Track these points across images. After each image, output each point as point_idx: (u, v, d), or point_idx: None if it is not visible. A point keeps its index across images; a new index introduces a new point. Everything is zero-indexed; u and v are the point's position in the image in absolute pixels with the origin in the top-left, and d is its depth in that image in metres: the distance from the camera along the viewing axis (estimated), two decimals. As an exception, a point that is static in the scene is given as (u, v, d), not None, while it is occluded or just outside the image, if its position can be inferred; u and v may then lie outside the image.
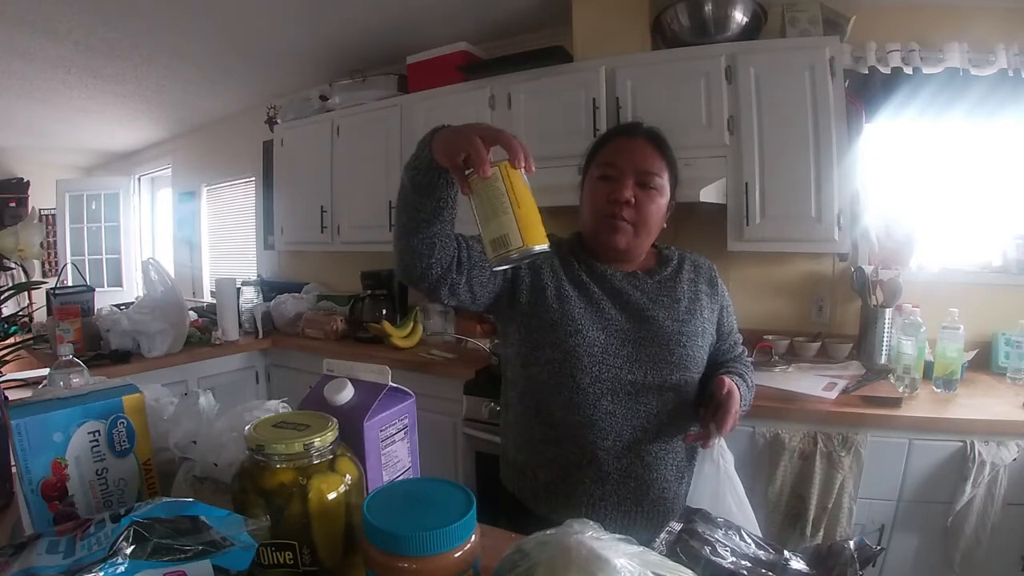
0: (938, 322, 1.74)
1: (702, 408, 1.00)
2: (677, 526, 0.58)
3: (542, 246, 0.68)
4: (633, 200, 1.01)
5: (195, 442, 0.70)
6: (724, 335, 1.15)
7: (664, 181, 1.04)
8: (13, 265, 1.36)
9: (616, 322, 1.02)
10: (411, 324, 2.59)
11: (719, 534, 0.56)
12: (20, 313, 2.28)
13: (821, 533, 1.56)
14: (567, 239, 1.14)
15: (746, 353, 1.21)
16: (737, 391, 0.96)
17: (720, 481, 0.92)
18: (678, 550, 0.53)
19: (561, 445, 1.00)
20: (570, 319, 1.00)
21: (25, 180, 4.95)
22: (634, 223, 1.02)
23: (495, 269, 0.92)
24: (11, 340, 1.55)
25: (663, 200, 1.05)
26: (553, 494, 1.01)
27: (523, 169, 0.69)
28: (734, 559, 0.53)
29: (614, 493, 0.99)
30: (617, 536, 0.46)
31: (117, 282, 5.07)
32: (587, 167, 1.10)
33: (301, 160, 3.16)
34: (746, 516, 0.90)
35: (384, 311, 2.70)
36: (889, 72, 2.00)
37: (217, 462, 0.66)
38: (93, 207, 5.03)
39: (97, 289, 2.67)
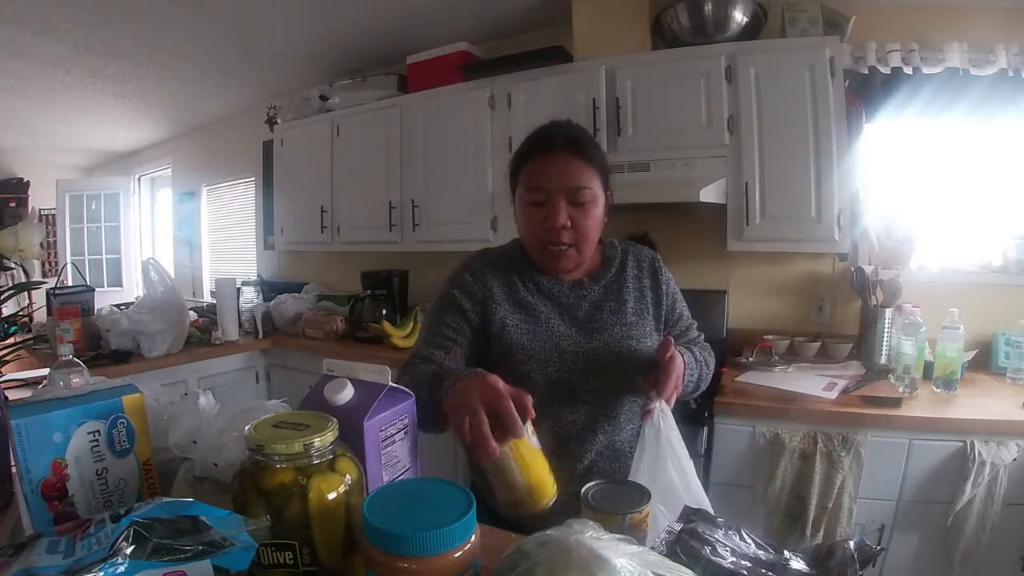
0: (938, 322, 1.74)
1: (640, 377, 0.98)
2: (677, 526, 0.58)
3: (551, 499, 0.70)
4: (569, 223, 0.98)
5: (195, 442, 0.70)
6: (673, 321, 1.13)
7: (596, 188, 1.01)
8: (13, 265, 1.37)
9: (567, 337, 1.02)
10: (411, 324, 2.59)
11: (719, 534, 0.56)
12: (20, 313, 2.28)
13: (821, 533, 1.56)
14: (509, 250, 1.11)
15: (702, 337, 1.20)
16: (680, 357, 0.96)
17: (660, 446, 0.86)
18: (678, 550, 0.53)
19: None
20: (519, 347, 1.00)
21: (25, 180, 4.95)
22: (575, 243, 1.00)
23: None
24: (11, 340, 1.56)
25: (599, 208, 1.02)
26: None
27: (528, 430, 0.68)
28: (734, 559, 0.53)
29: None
30: (617, 536, 0.46)
31: (117, 282, 5.07)
32: (512, 184, 1.07)
33: (301, 160, 3.16)
34: (688, 484, 0.85)
35: (384, 311, 2.70)
36: (889, 72, 2.00)
37: (217, 462, 0.66)
38: (93, 207, 5.04)
39: (97, 289, 2.68)
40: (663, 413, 0.90)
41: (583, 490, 0.68)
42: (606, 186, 1.04)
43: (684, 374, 0.98)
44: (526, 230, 1.04)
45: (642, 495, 0.67)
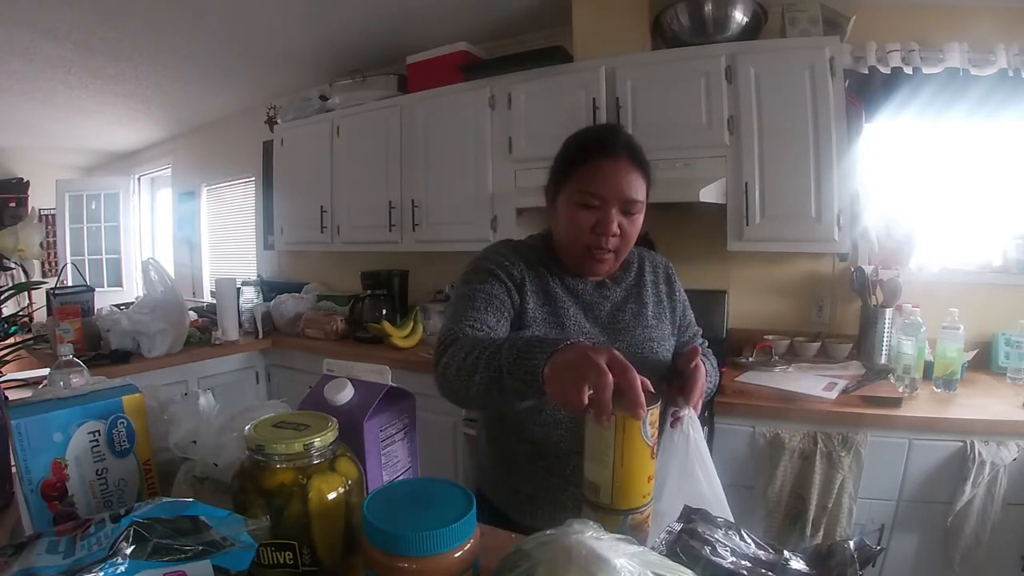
0: (938, 322, 1.74)
1: (664, 384, 0.99)
2: (677, 526, 0.58)
3: (629, 510, 0.64)
4: (619, 232, 0.98)
5: (195, 442, 0.70)
6: (683, 328, 1.15)
7: (644, 199, 1.01)
8: (13, 265, 1.37)
9: (592, 335, 1.02)
10: (411, 324, 2.59)
11: (719, 534, 0.56)
12: (20, 313, 2.28)
13: (821, 533, 1.57)
14: (533, 244, 1.10)
15: (707, 344, 1.21)
16: (703, 365, 0.96)
17: (689, 452, 0.88)
18: (678, 550, 0.53)
19: (544, 459, 1.01)
20: None
21: (25, 180, 4.95)
22: (617, 250, 1.01)
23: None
24: (11, 340, 1.56)
25: (642, 216, 1.02)
26: (537, 505, 1.02)
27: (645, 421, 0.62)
28: (734, 559, 0.53)
29: None
30: (617, 536, 0.46)
31: (117, 282, 5.07)
32: (560, 179, 1.03)
33: (301, 160, 3.16)
34: (714, 491, 0.87)
35: (384, 311, 2.70)
36: (889, 72, 2.00)
37: (217, 462, 0.66)
38: (93, 207, 5.04)
39: (97, 289, 2.67)
40: (692, 420, 0.91)
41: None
42: (648, 193, 1.03)
43: (706, 380, 0.99)
44: (571, 230, 1.01)
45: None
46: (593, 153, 1.00)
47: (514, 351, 0.72)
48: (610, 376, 0.59)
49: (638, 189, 0.98)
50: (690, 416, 0.91)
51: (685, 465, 0.87)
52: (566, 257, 1.06)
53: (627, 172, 0.98)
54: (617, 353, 0.63)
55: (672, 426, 0.90)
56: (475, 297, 0.97)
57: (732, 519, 0.85)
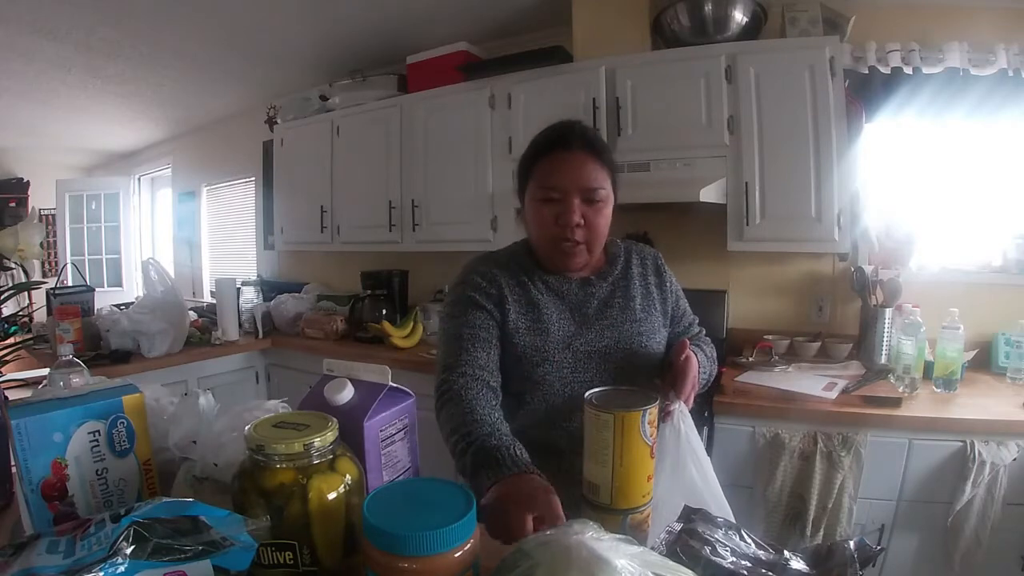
0: (938, 322, 1.74)
1: (658, 379, 1.00)
2: (677, 526, 0.58)
3: (630, 509, 0.66)
4: (582, 222, 0.99)
5: (195, 442, 0.70)
6: (678, 318, 1.15)
7: (608, 189, 1.02)
8: (13, 265, 1.37)
9: (579, 336, 1.02)
10: (411, 324, 2.59)
11: (719, 534, 0.56)
12: (20, 313, 2.28)
13: (821, 533, 1.56)
14: (513, 251, 1.12)
15: (704, 332, 1.21)
16: (694, 357, 0.98)
17: (680, 446, 0.88)
18: (678, 550, 0.53)
19: (543, 459, 1.01)
20: (533, 349, 1.00)
21: (25, 180, 4.95)
22: (587, 241, 1.01)
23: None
24: (11, 340, 1.56)
25: (609, 207, 1.03)
26: None
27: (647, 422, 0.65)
28: (734, 559, 0.53)
29: None
30: (617, 536, 0.46)
31: (117, 282, 5.07)
32: (524, 179, 1.06)
33: (301, 160, 3.16)
34: (709, 484, 0.87)
35: (384, 311, 2.70)
36: (889, 72, 2.00)
37: (217, 462, 0.66)
38: (93, 207, 5.04)
39: (97, 289, 2.67)
40: (682, 414, 0.91)
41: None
42: (615, 186, 1.05)
43: (699, 373, 0.99)
44: (538, 227, 1.03)
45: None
46: (549, 148, 1.02)
47: (471, 464, 0.80)
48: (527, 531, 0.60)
49: (597, 178, 0.99)
50: (680, 410, 0.91)
51: (677, 459, 0.87)
52: (542, 256, 1.07)
53: (583, 162, 0.99)
54: (542, 500, 0.63)
55: (663, 420, 0.90)
56: (461, 336, 1.00)
57: (729, 510, 0.86)
